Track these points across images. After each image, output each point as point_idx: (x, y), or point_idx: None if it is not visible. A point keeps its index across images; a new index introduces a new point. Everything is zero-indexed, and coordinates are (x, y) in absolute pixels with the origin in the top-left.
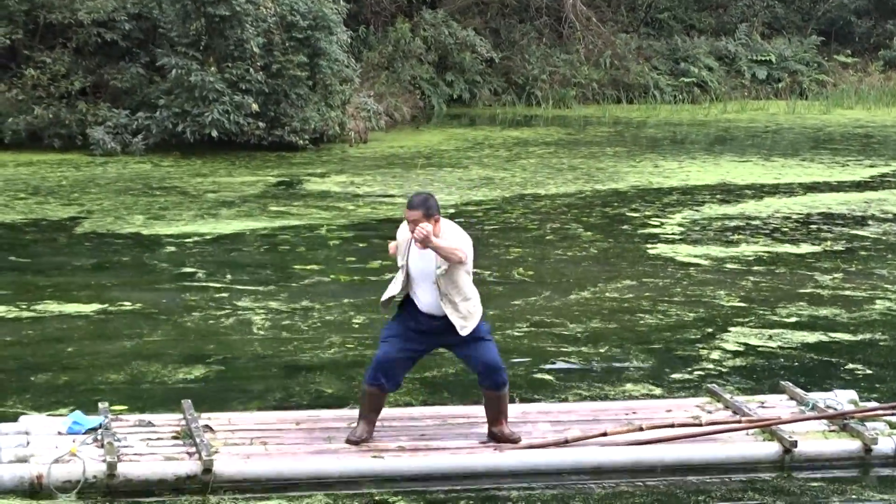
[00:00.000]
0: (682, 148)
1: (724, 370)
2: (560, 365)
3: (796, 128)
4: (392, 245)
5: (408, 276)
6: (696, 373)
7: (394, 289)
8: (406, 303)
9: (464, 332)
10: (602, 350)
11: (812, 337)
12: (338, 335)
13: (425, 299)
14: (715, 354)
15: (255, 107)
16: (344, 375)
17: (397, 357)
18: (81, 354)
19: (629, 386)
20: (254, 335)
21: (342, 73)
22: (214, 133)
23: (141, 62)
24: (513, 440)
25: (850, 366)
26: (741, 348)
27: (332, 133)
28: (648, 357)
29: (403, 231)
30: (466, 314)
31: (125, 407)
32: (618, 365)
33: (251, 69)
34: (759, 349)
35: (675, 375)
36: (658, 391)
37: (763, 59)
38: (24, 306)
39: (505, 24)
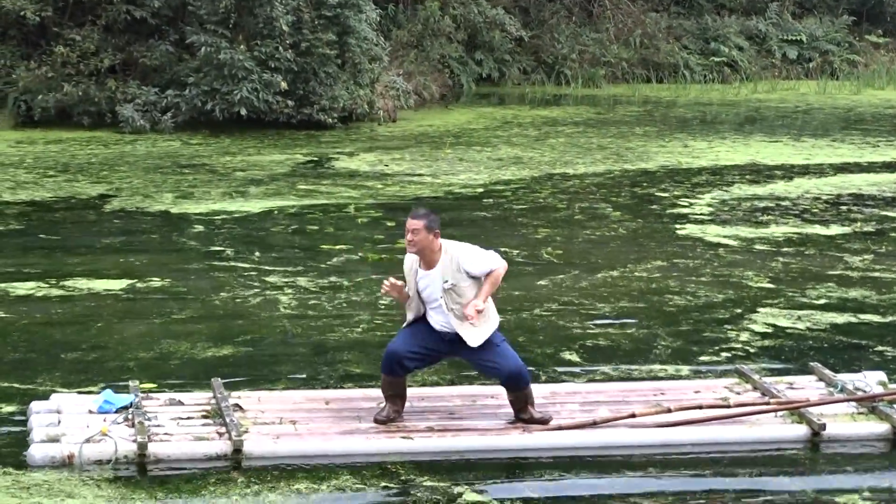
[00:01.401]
0: (711, 128)
1: (752, 351)
2: (588, 344)
3: (827, 108)
4: (387, 284)
5: (421, 300)
6: (724, 354)
7: (411, 316)
8: (421, 319)
9: (473, 343)
10: (630, 330)
11: (841, 318)
12: (366, 314)
13: (438, 318)
14: (744, 335)
15: (284, 85)
16: (372, 354)
17: (408, 352)
18: (110, 332)
19: (657, 366)
20: (282, 313)
21: (371, 52)
22: (243, 111)
23: (170, 40)
24: (542, 421)
25: (880, 347)
26: (770, 329)
27: (361, 112)
28: (677, 338)
29: (407, 261)
30: (481, 331)
31: (154, 385)
32: (645, 345)
33: (280, 47)
34: (788, 330)
35: (704, 356)
36: (686, 371)
37: (794, 38)
38: (53, 284)
39: (534, 3)
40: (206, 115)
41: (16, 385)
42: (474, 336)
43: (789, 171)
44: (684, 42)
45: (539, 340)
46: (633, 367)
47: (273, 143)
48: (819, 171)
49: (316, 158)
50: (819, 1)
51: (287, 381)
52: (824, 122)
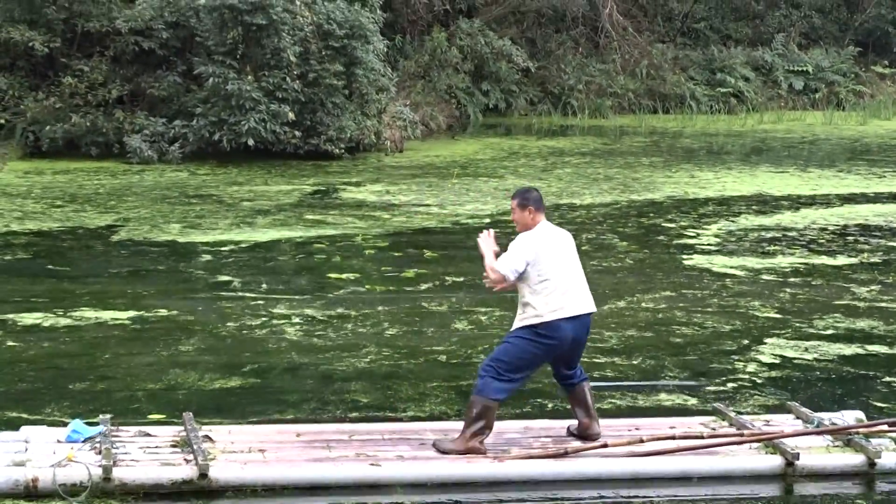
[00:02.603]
0: (718, 158)
1: (759, 382)
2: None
3: (833, 139)
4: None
5: None
6: (731, 384)
7: None
8: None
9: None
10: (637, 361)
11: (849, 349)
12: (373, 344)
13: None
14: (751, 366)
15: (291, 115)
16: (379, 385)
17: None
18: (118, 362)
19: (663, 397)
20: (289, 344)
21: (378, 82)
22: (251, 142)
23: (178, 71)
24: (446, 452)
25: (888, 378)
26: (777, 360)
27: (368, 142)
28: (684, 368)
29: None
30: (518, 315)
31: (163, 415)
32: (653, 376)
33: (287, 78)
34: (795, 361)
35: (710, 388)
36: (693, 402)
37: (800, 69)
38: (60, 314)
39: (541, 34)
40: (214, 146)
41: (23, 415)
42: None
43: (796, 202)
44: (690, 73)
45: (547, 371)
46: (639, 398)
47: (280, 174)
48: (826, 201)
49: (323, 188)
50: (825, 32)
51: (294, 412)
52: (830, 153)
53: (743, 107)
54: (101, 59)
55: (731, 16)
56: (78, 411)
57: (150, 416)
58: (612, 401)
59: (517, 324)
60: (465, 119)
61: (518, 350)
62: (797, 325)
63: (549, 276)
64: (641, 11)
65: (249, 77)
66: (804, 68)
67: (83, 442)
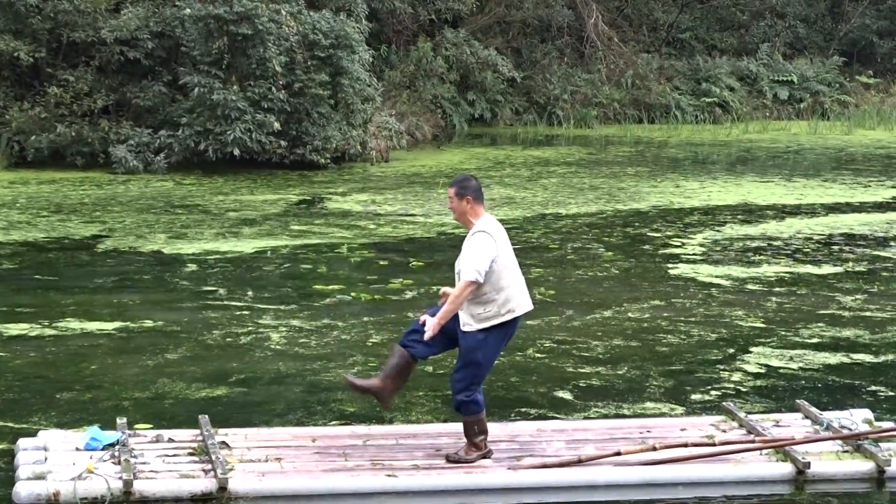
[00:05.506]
0: (703, 168)
1: (744, 391)
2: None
3: (818, 148)
4: None
5: None
6: (715, 393)
7: None
8: None
9: (463, 328)
10: (623, 370)
11: (834, 358)
12: (358, 354)
13: None
14: (736, 375)
15: (276, 125)
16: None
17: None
18: (104, 372)
19: (650, 405)
20: (275, 353)
21: (364, 92)
22: (236, 151)
23: (163, 80)
24: (458, 461)
25: (873, 387)
26: (762, 369)
27: (354, 152)
28: (669, 377)
29: None
30: (471, 315)
31: (150, 425)
32: (638, 385)
33: (273, 88)
34: (781, 370)
35: (696, 396)
36: (679, 411)
37: (785, 79)
38: (46, 324)
39: (526, 44)
40: (199, 156)
41: (10, 424)
42: (465, 322)
43: (781, 212)
44: (676, 83)
45: (532, 380)
46: (625, 405)
47: (266, 184)
48: (811, 211)
49: (309, 198)
50: (810, 42)
51: (280, 421)
52: (815, 163)
53: (728, 116)
54: (87, 69)
55: (716, 26)
56: (65, 421)
57: (137, 427)
58: (598, 410)
59: (480, 323)
60: (450, 129)
61: (491, 352)
62: (782, 334)
63: (509, 273)
64: (626, 21)
65: (235, 87)
66: (789, 78)
67: (102, 450)
